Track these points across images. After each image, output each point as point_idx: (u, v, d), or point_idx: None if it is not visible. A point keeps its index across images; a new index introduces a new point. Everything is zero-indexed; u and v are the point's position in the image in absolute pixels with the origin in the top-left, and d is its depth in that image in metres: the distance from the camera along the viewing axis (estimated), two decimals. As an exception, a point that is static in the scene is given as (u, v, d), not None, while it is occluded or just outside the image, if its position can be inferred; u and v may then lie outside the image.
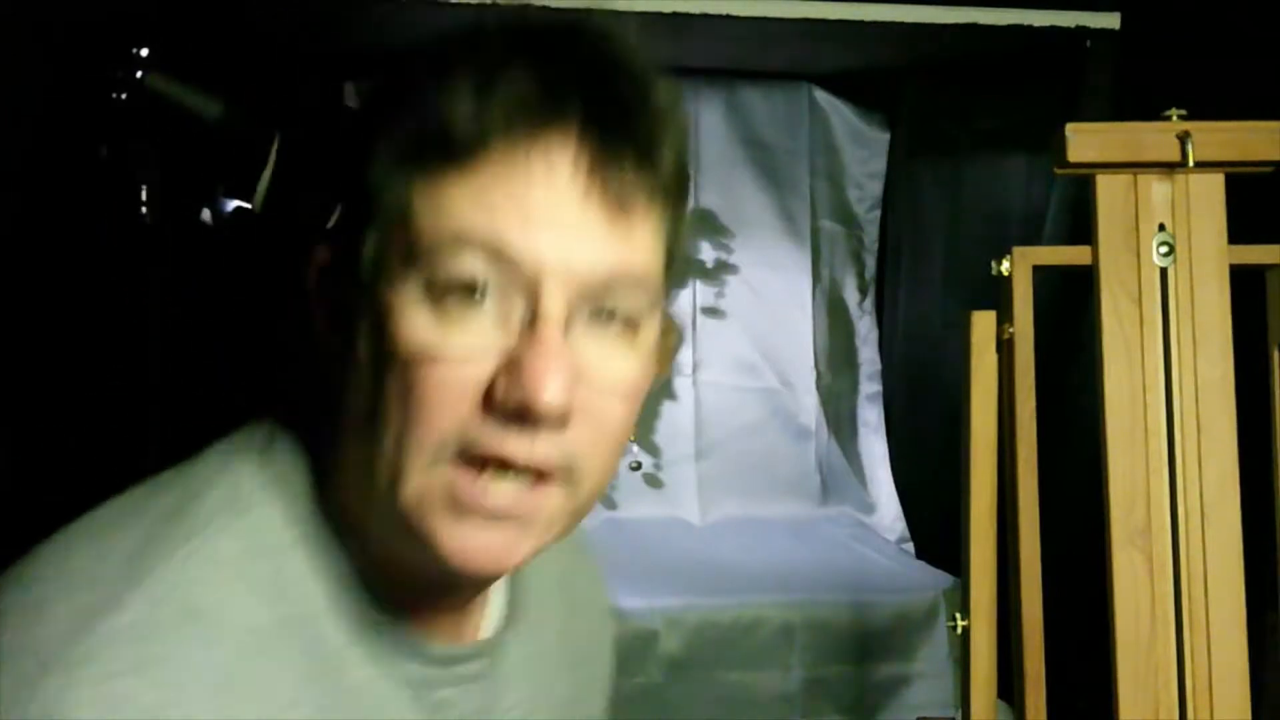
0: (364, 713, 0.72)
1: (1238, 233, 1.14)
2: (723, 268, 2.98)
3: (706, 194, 2.96)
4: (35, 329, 1.91)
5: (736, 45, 2.67)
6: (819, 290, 3.05)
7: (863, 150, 3.09)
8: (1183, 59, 2.13)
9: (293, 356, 0.78)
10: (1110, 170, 1.11)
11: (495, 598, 0.83)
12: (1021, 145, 2.63)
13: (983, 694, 1.61)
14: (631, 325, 0.73)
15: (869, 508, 3.04)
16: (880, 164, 3.09)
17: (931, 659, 2.49)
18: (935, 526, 2.87)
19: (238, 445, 0.75)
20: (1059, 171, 1.13)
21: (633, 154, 0.69)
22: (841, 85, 3.02)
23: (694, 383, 2.98)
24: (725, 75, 2.97)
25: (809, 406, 3.02)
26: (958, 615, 1.64)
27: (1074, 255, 1.54)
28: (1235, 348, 1.12)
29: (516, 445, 0.67)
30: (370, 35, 2.40)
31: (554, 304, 0.68)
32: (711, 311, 2.98)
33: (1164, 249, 1.11)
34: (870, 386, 3.12)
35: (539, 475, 0.69)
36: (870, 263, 3.14)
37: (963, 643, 1.63)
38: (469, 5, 2.20)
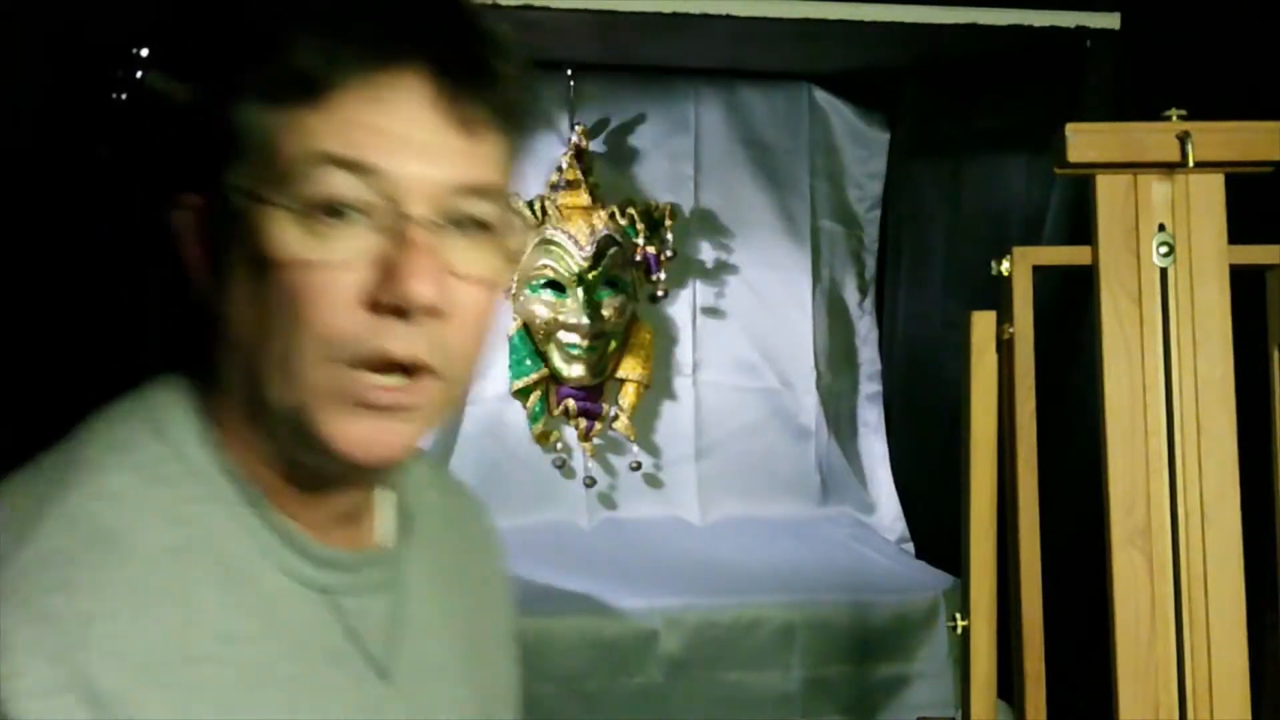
0: (284, 618, 0.78)
1: (1238, 233, 1.14)
2: (723, 268, 2.98)
3: (706, 194, 2.96)
4: (35, 329, 1.91)
5: (736, 45, 2.67)
6: (819, 290, 3.05)
7: (863, 150, 3.08)
8: (1183, 59, 2.13)
9: (173, 317, 0.84)
10: (1110, 170, 1.11)
11: (385, 512, 0.89)
12: (1021, 145, 2.63)
13: (983, 694, 1.61)
14: (488, 230, 0.79)
15: (869, 508, 3.04)
16: (880, 164, 3.09)
17: (931, 659, 2.49)
18: (935, 526, 2.87)
19: (118, 404, 0.82)
20: (1059, 171, 1.13)
21: (476, 84, 0.77)
22: (841, 85, 3.02)
23: (694, 383, 2.97)
24: (725, 75, 2.97)
25: (809, 406, 3.02)
26: (958, 615, 1.64)
27: (1074, 255, 1.54)
28: (1235, 348, 1.12)
29: (395, 341, 0.75)
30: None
31: (417, 211, 0.75)
32: (711, 311, 2.98)
33: (1164, 249, 1.11)
34: (870, 386, 3.12)
35: (418, 369, 0.76)
36: (870, 263, 3.13)
37: (963, 643, 1.63)
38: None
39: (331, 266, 0.74)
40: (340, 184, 0.74)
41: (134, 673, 0.70)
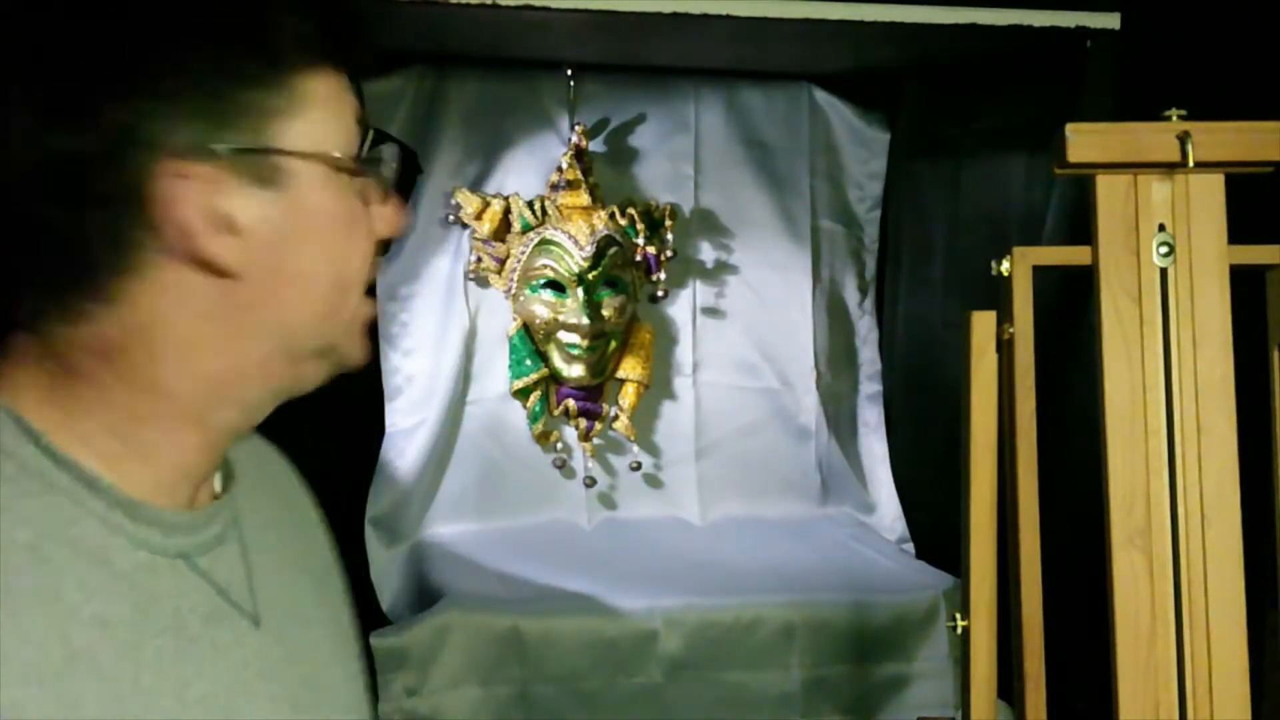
0: (151, 592, 0.78)
1: (1238, 233, 1.14)
2: (723, 268, 2.98)
3: (706, 194, 2.96)
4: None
5: (736, 45, 2.67)
6: (819, 290, 3.05)
7: (863, 150, 3.08)
8: (1183, 59, 2.13)
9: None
10: (1110, 170, 1.11)
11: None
12: (1021, 145, 2.63)
13: (983, 694, 1.61)
14: None
15: (869, 508, 3.04)
16: (880, 164, 3.09)
17: (931, 659, 2.49)
18: (935, 526, 2.87)
19: None
20: (1059, 171, 1.13)
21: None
22: (841, 85, 3.02)
23: (694, 383, 2.97)
24: (725, 75, 2.97)
25: (809, 406, 3.02)
26: (958, 615, 1.64)
27: (1074, 255, 1.54)
28: (1235, 348, 1.12)
29: None
30: (369, 36, 2.40)
31: None
32: (711, 311, 2.98)
33: (1164, 249, 1.11)
34: (870, 386, 3.12)
35: None
36: (870, 263, 3.13)
37: (963, 643, 1.63)
38: (469, 5, 2.21)
39: None
40: None
41: (19, 679, 0.69)
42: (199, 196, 0.76)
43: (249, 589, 0.86)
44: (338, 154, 0.81)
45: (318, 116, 0.80)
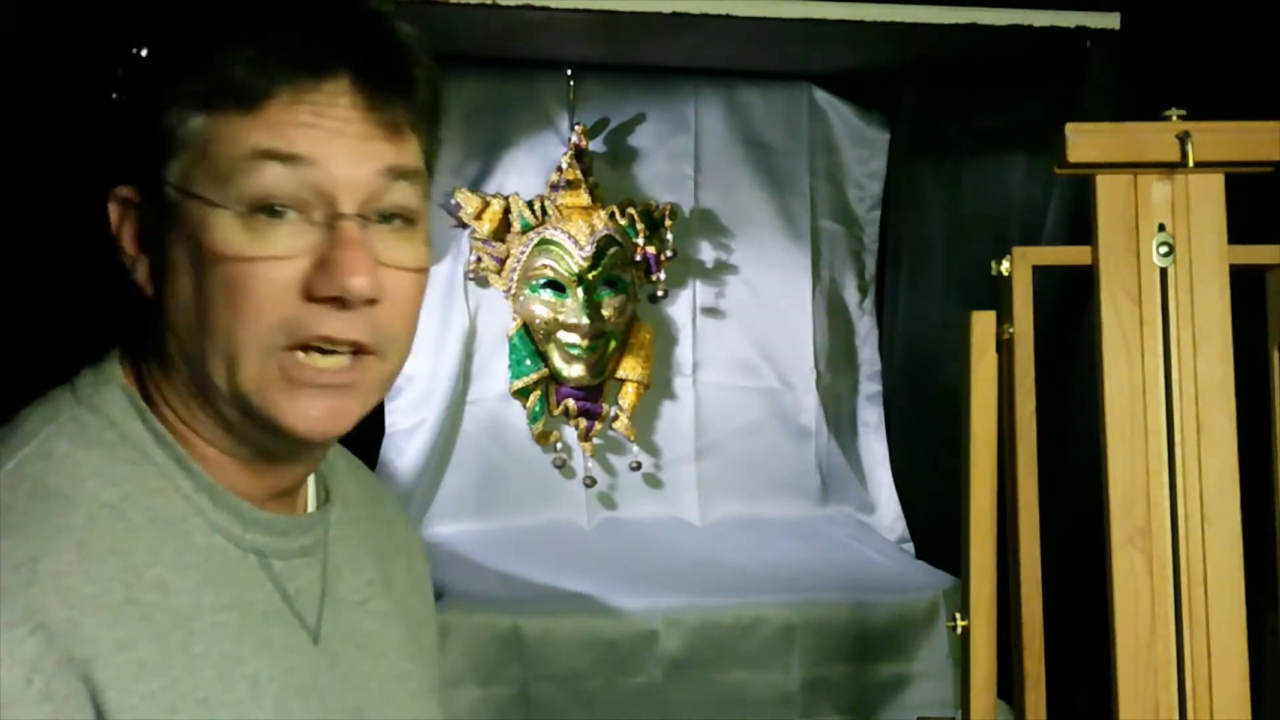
0: (219, 574, 0.84)
1: (1238, 233, 1.14)
2: (723, 268, 2.98)
3: (706, 194, 2.96)
4: (33, 333, 1.91)
5: (736, 45, 2.67)
6: (819, 290, 3.05)
7: (863, 150, 3.08)
8: (1183, 59, 2.13)
9: (110, 300, 0.89)
10: (1110, 170, 1.11)
11: (308, 484, 0.95)
12: (1021, 145, 2.63)
13: (983, 694, 1.61)
14: (409, 220, 0.86)
15: (869, 508, 3.03)
16: (880, 164, 3.09)
17: (931, 659, 2.49)
18: (935, 526, 2.87)
19: (53, 390, 0.88)
20: (1059, 171, 1.13)
21: (397, 89, 0.84)
22: (841, 85, 3.02)
23: (694, 383, 2.97)
24: (725, 75, 2.97)
25: (809, 406, 3.01)
26: (958, 615, 1.64)
27: (1074, 255, 1.54)
28: (1235, 348, 1.12)
29: (335, 325, 0.82)
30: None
31: (349, 206, 0.82)
32: (711, 311, 2.98)
33: (1164, 249, 1.12)
34: (870, 386, 3.12)
35: (357, 349, 0.84)
36: (870, 263, 3.13)
37: (963, 643, 1.63)
38: (469, 5, 2.21)
39: (269, 261, 0.80)
40: (274, 177, 0.80)
41: (80, 606, 0.75)
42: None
43: (318, 608, 0.89)
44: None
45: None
